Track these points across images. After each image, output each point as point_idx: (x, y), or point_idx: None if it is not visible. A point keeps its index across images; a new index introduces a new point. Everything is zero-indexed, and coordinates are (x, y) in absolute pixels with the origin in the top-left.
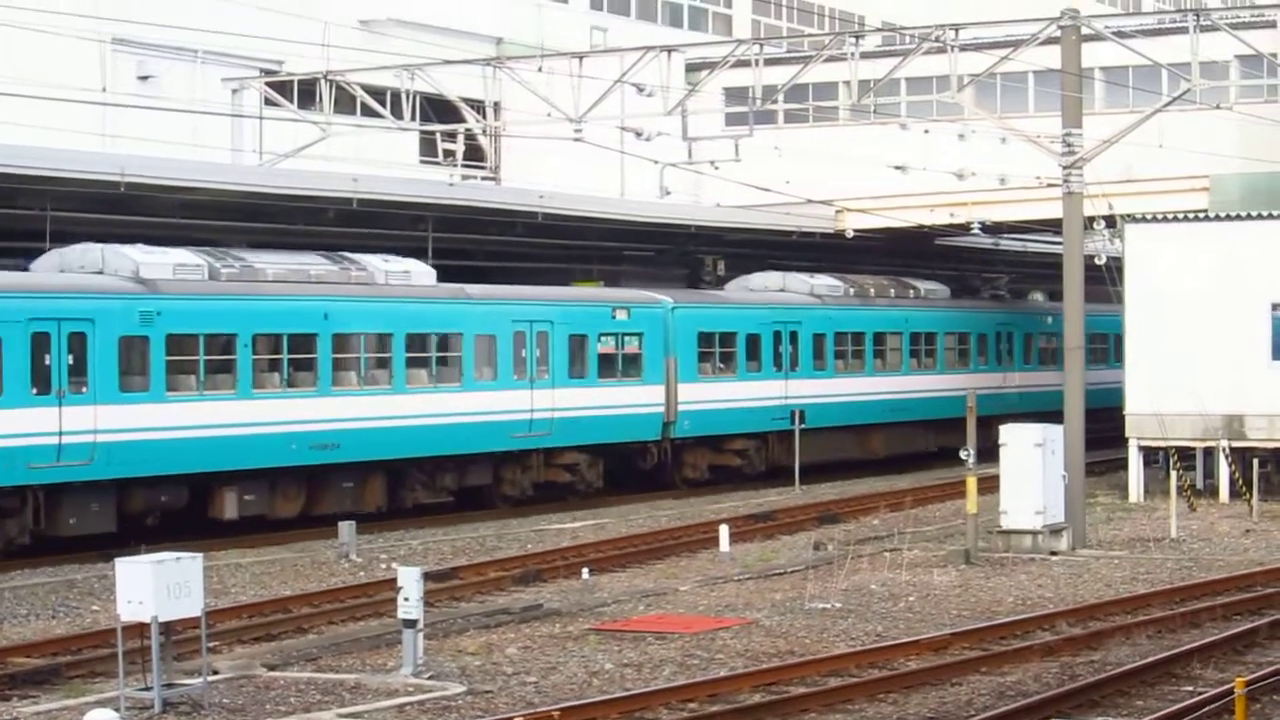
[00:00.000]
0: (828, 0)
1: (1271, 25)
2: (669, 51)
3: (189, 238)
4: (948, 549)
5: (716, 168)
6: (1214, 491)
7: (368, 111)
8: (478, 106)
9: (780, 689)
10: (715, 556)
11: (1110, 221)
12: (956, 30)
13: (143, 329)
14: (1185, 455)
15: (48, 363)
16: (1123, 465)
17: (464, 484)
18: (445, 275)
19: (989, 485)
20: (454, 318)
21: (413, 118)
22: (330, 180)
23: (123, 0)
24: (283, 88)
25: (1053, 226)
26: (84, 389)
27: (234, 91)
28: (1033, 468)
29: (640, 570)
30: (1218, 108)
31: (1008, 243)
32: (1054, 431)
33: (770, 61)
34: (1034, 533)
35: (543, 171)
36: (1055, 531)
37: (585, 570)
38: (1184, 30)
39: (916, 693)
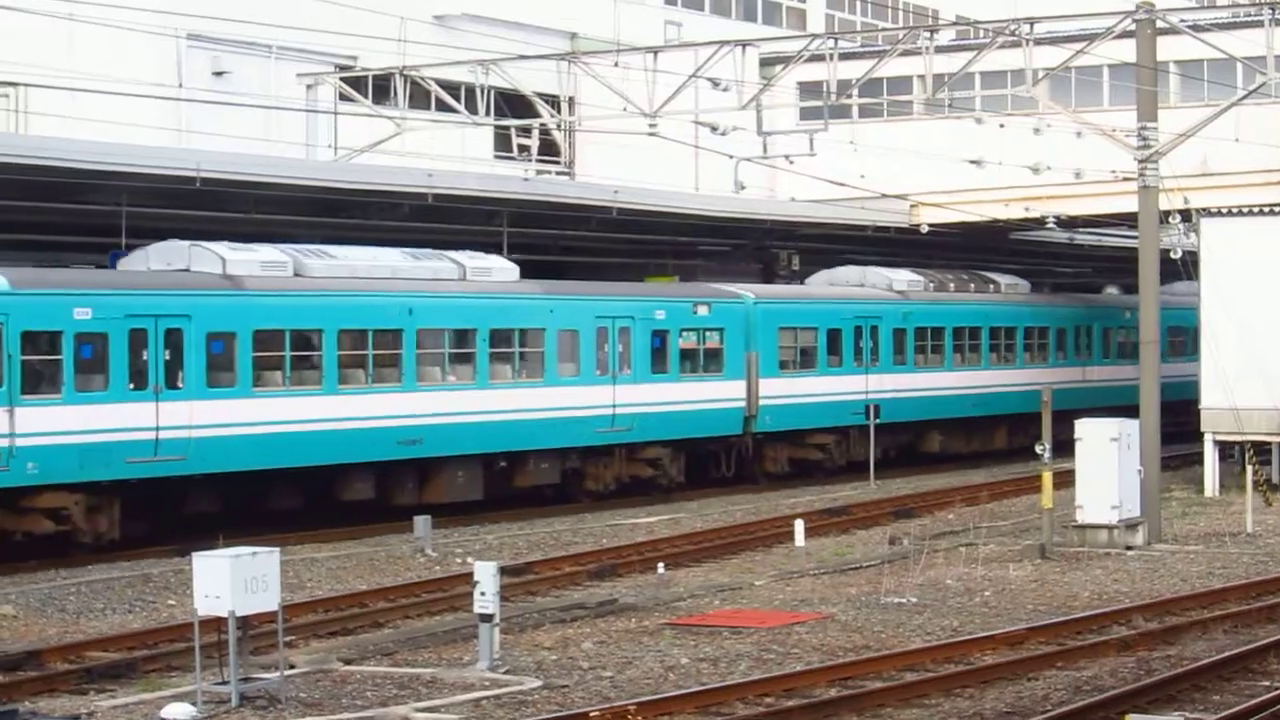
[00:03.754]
0: None
1: None
2: (743, 46)
3: (264, 233)
4: (1023, 544)
5: (791, 162)
6: None
7: (442, 107)
8: (552, 101)
9: (856, 684)
10: (790, 551)
11: (1186, 215)
12: (1031, 24)
13: (903, 323)
14: (1261, 450)
15: (860, 345)
16: (1198, 460)
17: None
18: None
19: (1065, 480)
20: (1043, 315)
21: (487, 113)
22: (405, 175)
23: None
24: (357, 83)
25: (1128, 220)
26: (876, 363)
27: (309, 87)
28: (1108, 462)
29: (715, 565)
30: None
31: (1083, 237)
32: (1129, 426)
33: (845, 56)
34: (1109, 527)
35: (617, 166)
36: (1131, 526)
37: (660, 565)
38: (1260, 23)
39: (992, 687)
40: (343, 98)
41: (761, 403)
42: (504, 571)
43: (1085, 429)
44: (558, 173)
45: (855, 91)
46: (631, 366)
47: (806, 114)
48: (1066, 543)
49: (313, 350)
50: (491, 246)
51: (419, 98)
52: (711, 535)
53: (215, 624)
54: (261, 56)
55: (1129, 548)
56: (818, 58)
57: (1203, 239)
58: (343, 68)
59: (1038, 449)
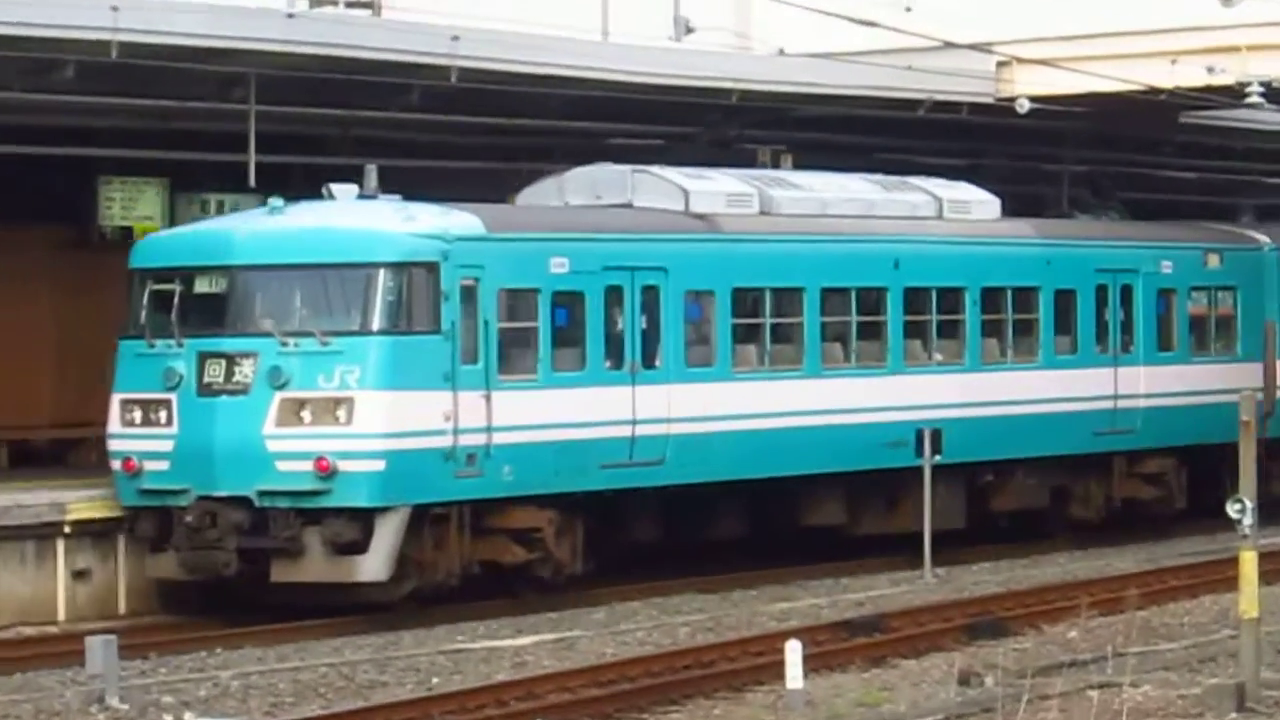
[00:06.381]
0: None
1: None
2: None
3: None
4: (1205, 683)
5: None
6: None
7: None
8: None
9: None
10: (778, 700)
11: None
12: None
13: None
14: None
15: None
16: None
17: None
18: (267, 184)
19: None
20: None
21: None
22: (76, 11)
23: None
24: None
25: None
26: None
27: None
28: None
29: None
30: None
31: None
32: None
33: None
34: None
35: None
36: None
37: None
38: None
39: None
40: None
41: None
42: None
43: None
44: (349, 4)
45: None
46: (1135, 341)
47: None
48: None
49: (792, 317)
50: (235, 138)
51: None
52: (632, 670)
53: None
54: None
55: None
56: None
57: None
58: None
59: (1232, 509)
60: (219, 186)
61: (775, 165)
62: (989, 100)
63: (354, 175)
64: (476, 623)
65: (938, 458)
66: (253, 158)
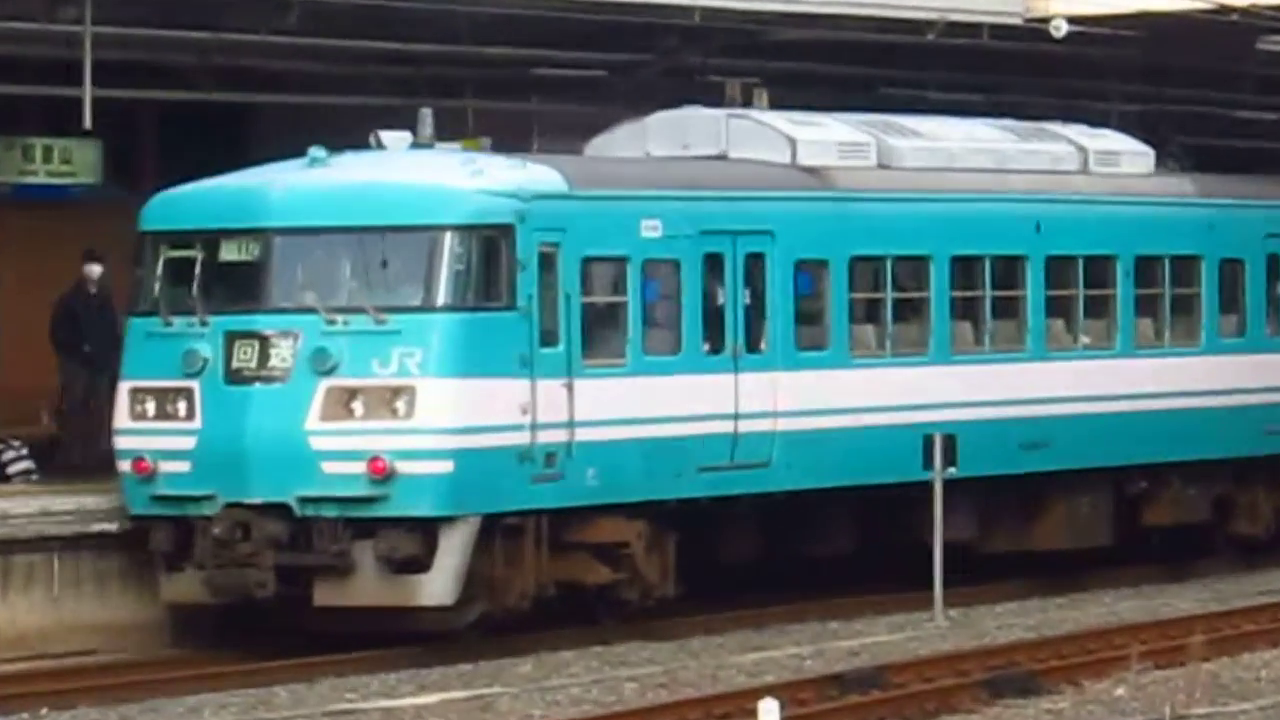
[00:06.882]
0: None
1: None
2: None
3: None
4: None
5: None
6: None
7: None
8: None
9: None
10: None
11: None
12: None
13: None
14: None
15: None
16: None
17: None
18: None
19: None
20: None
21: None
22: None
23: None
24: None
25: None
26: None
27: None
28: None
29: None
30: None
31: None
32: None
33: None
34: None
35: None
36: None
37: None
38: None
39: None
40: None
41: None
42: None
43: None
44: None
45: None
46: None
47: None
48: None
49: (917, 291)
50: (61, 70)
51: None
52: None
53: None
54: None
55: None
56: None
57: None
58: None
59: None
60: (46, 128)
61: (747, 102)
62: (1016, 21)
63: (221, 113)
64: (368, 676)
65: (951, 470)
66: (88, 92)
